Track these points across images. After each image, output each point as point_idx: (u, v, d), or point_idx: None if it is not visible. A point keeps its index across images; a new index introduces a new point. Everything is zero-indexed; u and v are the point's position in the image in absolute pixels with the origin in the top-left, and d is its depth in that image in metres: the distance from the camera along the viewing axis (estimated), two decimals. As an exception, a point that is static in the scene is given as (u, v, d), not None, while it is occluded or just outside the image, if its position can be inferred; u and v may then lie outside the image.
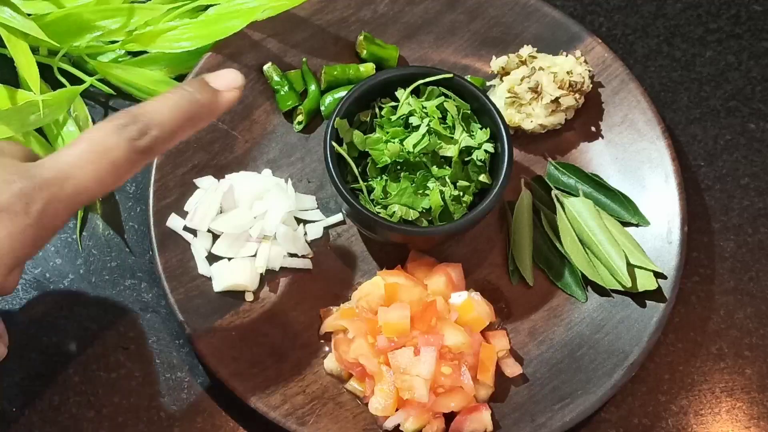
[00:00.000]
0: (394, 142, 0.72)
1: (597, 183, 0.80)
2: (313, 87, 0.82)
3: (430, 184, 0.73)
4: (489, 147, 0.73)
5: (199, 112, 0.60)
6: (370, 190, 0.74)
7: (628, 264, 0.76)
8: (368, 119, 0.76)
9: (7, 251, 0.53)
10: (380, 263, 0.78)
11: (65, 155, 0.55)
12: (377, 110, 0.76)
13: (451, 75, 0.74)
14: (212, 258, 0.76)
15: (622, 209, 0.79)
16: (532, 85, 0.80)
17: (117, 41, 0.81)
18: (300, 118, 0.82)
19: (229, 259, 0.76)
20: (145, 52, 0.83)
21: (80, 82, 0.81)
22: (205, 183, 0.77)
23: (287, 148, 0.81)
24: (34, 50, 0.80)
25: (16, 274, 0.62)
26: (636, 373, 0.75)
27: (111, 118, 0.57)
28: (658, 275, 0.76)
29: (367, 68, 0.82)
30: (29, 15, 0.77)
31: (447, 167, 0.73)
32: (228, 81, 0.62)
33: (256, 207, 0.77)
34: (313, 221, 0.79)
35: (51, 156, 0.56)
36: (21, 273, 0.64)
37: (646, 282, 0.76)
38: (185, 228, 0.76)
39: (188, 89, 0.60)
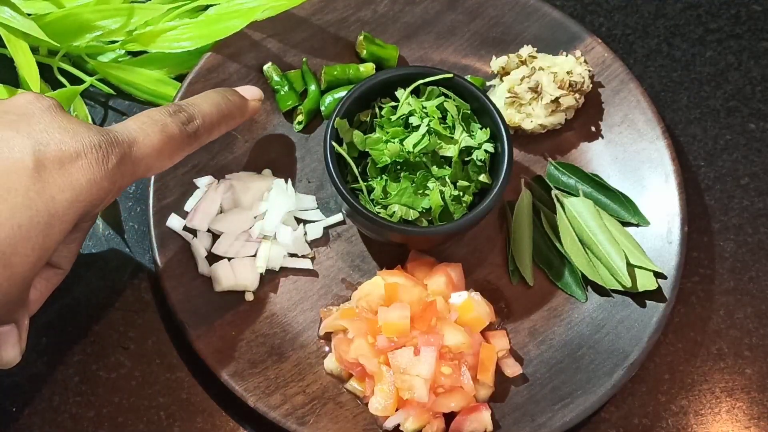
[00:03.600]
0: (394, 142, 0.72)
1: (597, 183, 0.80)
2: (313, 87, 0.82)
3: (430, 184, 0.73)
4: (489, 147, 0.73)
5: (233, 111, 0.68)
6: (370, 190, 0.74)
7: (628, 264, 0.76)
8: (368, 119, 0.76)
9: (84, 197, 0.55)
10: (380, 263, 0.78)
11: (130, 123, 0.60)
12: (377, 110, 0.76)
13: (451, 75, 0.74)
14: (212, 258, 0.76)
15: (622, 209, 0.79)
16: (532, 85, 0.80)
17: (117, 41, 0.81)
18: (300, 118, 0.82)
19: (229, 259, 0.76)
20: (145, 52, 0.83)
21: (80, 82, 0.81)
22: (205, 183, 0.77)
23: (287, 148, 0.81)
24: (34, 50, 0.80)
25: (77, 243, 0.65)
26: (636, 373, 0.75)
27: (160, 107, 0.63)
28: (658, 275, 0.76)
29: (367, 68, 0.82)
30: (29, 15, 0.77)
31: (447, 167, 0.73)
32: (252, 93, 0.72)
33: (256, 207, 0.77)
34: (313, 221, 0.79)
35: (116, 124, 0.60)
36: (81, 245, 0.66)
37: (646, 282, 0.76)
38: (185, 228, 0.76)
39: (223, 92, 0.69)
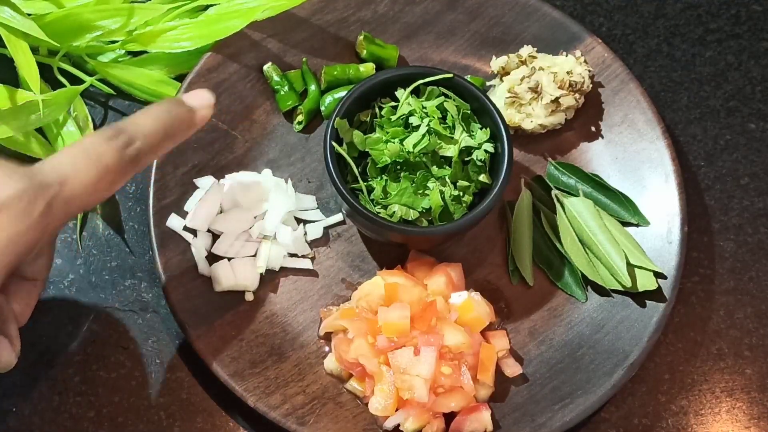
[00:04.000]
0: (394, 142, 0.72)
1: (597, 183, 0.80)
2: (313, 87, 0.82)
3: (430, 184, 0.73)
4: (489, 147, 0.73)
5: (178, 125, 0.63)
6: (370, 190, 0.74)
7: (628, 264, 0.76)
8: (368, 119, 0.76)
9: (9, 252, 0.53)
10: (380, 263, 0.78)
11: (61, 159, 0.56)
12: (377, 110, 0.76)
13: (451, 75, 0.74)
14: (212, 258, 0.76)
15: (622, 209, 0.79)
16: (532, 85, 0.80)
17: (117, 41, 0.81)
18: (300, 118, 0.82)
19: (229, 259, 0.76)
20: (145, 52, 0.83)
21: (80, 82, 0.81)
22: (205, 183, 0.77)
23: (287, 148, 0.81)
24: (34, 50, 0.80)
25: (47, 256, 0.63)
26: (636, 373, 0.75)
27: (98, 131, 0.59)
28: (658, 275, 0.76)
29: (367, 68, 0.82)
30: (29, 15, 0.77)
31: (447, 167, 0.73)
32: (202, 99, 0.65)
33: (256, 207, 0.77)
34: (313, 221, 0.79)
35: (46, 160, 0.56)
36: (52, 256, 0.65)
37: (646, 282, 0.76)
38: (185, 228, 0.76)
39: (167, 105, 0.63)
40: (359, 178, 0.74)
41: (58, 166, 0.55)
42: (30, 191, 0.53)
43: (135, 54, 0.84)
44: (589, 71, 0.81)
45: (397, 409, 0.70)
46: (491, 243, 0.80)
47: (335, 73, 0.82)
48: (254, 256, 0.76)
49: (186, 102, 0.64)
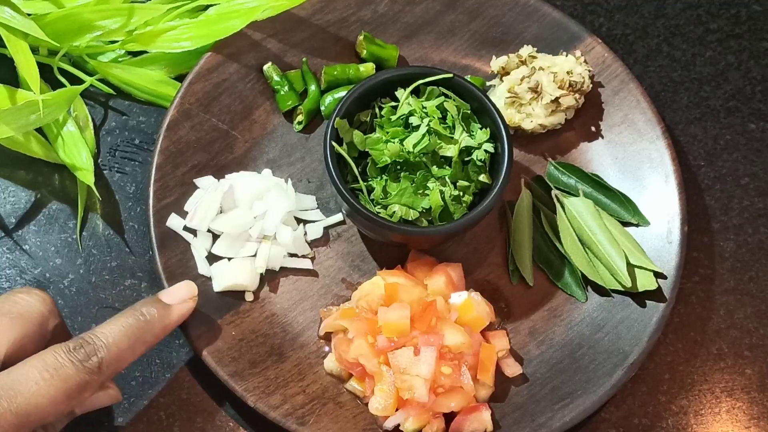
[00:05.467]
0: (394, 142, 0.72)
1: (597, 183, 0.80)
2: (313, 87, 0.82)
3: (430, 184, 0.73)
4: (489, 147, 0.73)
5: (150, 329, 0.64)
6: (370, 190, 0.74)
7: (628, 264, 0.76)
8: (368, 119, 0.76)
9: None
10: (380, 263, 0.78)
11: (16, 372, 0.57)
12: (377, 110, 0.76)
13: (451, 75, 0.74)
14: (212, 258, 0.76)
15: (622, 209, 0.79)
16: (532, 85, 0.80)
17: (117, 41, 0.81)
18: (300, 118, 0.82)
19: (229, 259, 0.76)
20: (145, 52, 0.83)
21: (80, 82, 0.81)
22: (205, 183, 0.78)
23: (287, 148, 0.81)
24: (34, 50, 0.80)
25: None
26: (636, 373, 0.75)
27: (60, 345, 0.60)
28: (658, 275, 0.76)
29: (367, 68, 0.82)
30: (29, 15, 0.77)
31: (447, 167, 0.73)
32: (181, 295, 0.67)
33: (256, 207, 0.77)
34: (313, 221, 0.79)
35: (2, 372, 0.57)
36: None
37: (646, 282, 0.76)
38: (185, 228, 0.76)
39: (140, 308, 0.64)
40: (359, 178, 0.74)
41: (10, 379, 0.56)
42: None
43: (135, 54, 0.84)
44: (589, 71, 0.81)
45: (397, 409, 0.70)
46: (491, 243, 0.80)
47: (335, 73, 0.82)
48: (254, 256, 0.76)
49: (163, 300, 0.65)
